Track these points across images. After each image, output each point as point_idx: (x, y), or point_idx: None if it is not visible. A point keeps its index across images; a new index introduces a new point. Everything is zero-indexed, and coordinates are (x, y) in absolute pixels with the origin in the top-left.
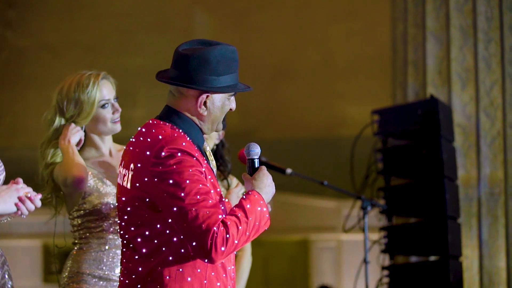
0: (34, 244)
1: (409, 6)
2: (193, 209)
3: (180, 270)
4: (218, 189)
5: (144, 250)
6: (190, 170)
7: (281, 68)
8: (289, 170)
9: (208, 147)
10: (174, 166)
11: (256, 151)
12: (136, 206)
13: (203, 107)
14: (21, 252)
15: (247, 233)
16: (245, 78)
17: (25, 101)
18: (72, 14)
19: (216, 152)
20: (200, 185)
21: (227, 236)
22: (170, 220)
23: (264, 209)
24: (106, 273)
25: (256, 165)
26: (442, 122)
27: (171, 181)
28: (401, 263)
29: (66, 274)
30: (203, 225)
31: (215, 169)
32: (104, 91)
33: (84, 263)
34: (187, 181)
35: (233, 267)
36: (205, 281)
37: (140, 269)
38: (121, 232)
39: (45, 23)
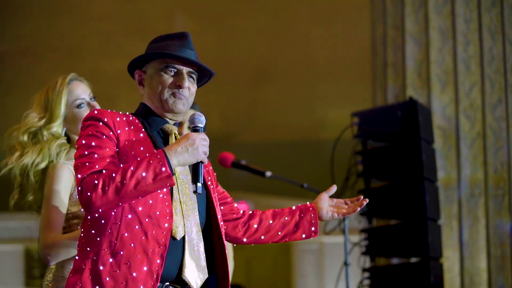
0: (16, 248)
1: (388, 8)
2: (79, 162)
3: (93, 231)
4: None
5: (78, 227)
6: (90, 132)
7: (262, 70)
8: (268, 173)
9: (175, 131)
10: (81, 133)
11: (200, 119)
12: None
13: (140, 86)
14: (3, 257)
15: (124, 181)
16: (225, 81)
17: (5, 106)
18: (52, 18)
19: None
20: (93, 143)
21: (95, 182)
22: None
23: (160, 166)
24: None
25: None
26: (422, 124)
27: (77, 146)
28: (382, 265)
29: (51, 278)
30: (79, 174)
31: None
32: (77, 91)
33: (68, 268)
34: (83, 142)
35: (165, 233)
36: (114, 241)
37: (77, 242)
38: None
39: (24, 27)
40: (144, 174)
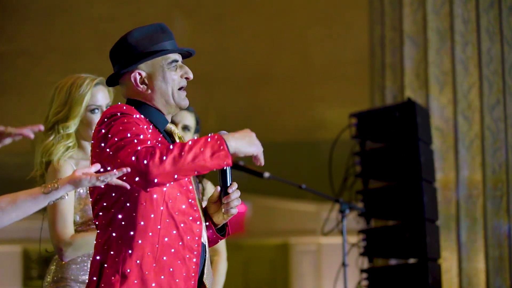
0: (14, 249)
1: (386, 9)
2: (122, 142)
3: (131, 233)
4: None
5: (103, 222)
6: (125, 120)
7: (259, 71)
8: (266, 174)
9: (177, 131)
10: (112, 123)
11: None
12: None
13: (142, 86)
14: (0, 258)
15: (182, 153)
16: (223, 81)
17: (3, 106)
18: (50, 19)
19: None
20: (134, 128)
21: (152, 152)
22: (109, 168)
23: (218, 141)
24: None
25: (228, 174)
26: (420, 125)
27: (109, 135)
28: (380, 266)
29: (49, 279)
30: (129, 149)
31: None
32: (98, 96)
33: (68, 268)
34: (121, 128)
35: (197, 238)
36: (157, 245)
37: (99, 240)
38: (94, 220)
39: (23, 28)
40: (202, 149)
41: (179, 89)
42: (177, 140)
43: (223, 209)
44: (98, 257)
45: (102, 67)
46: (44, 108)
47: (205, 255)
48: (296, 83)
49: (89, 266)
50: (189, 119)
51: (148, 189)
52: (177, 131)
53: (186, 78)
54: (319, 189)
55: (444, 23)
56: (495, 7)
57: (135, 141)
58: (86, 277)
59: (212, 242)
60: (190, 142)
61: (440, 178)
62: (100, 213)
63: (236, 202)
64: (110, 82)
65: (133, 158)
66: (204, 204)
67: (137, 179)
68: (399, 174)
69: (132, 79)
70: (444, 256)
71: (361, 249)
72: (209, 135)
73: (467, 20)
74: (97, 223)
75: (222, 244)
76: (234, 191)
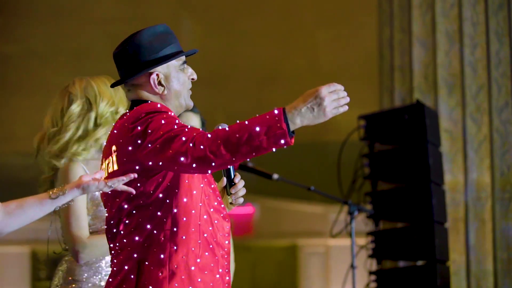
0: (22, 250)
1: (395, 11)
2: (172, 133)
3: (175, 229)
4: None
5: (140, 220)
6: (165, 116)
7: (268, 73)
8: (275, 176)
9: None
10: (150, 120)
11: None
12: (130, 180)
13: (159, 86)
14: (9, 258)
15: (237, 135)
16: (231, 82)
17: (11, 107)
18: (59, 20)
19: None
20: (177, 121)
21: (208, 135)
22: (160, 163)
23: (276, 118)
24: (102, 283)
25: (231, 171)
26: (429, 127)
27: (149, 131)
28: (389, 268)
29: (59, 280)
30: (184, 137)
31: None
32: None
33: (79, 270)
34: (163, 122)
35: (227, 235)
36: (199, 241)
37: (136, 238)
38: (112, 222)
39: (32, 29)
40: (258, 128)
41: (188, 90)
42: None
43: (230, 199)
44: (135, 255)
45: (110, 67)
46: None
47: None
48: (304, 85)
49: (103, 267)
50: (194, 121)
51: (208, 172)
52: None
53: (192, 79)
54: (327, 191)
55: (453, 25)
56: (504, 9)
57: (186, 129)
58: (98, 279)
59: None
60: (247, 122)
61: (449, 180)
62: (134, 212)
63: (242, 191)
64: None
65: (191, 144)
66: None
67: (194, 165)
68: (408, 176)
69: (152, 81)
70: (452, 258)
71: (369, 251)
72: (273, 111)
73: (476, 23)
74: (127, 221)
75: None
76: (240, 181)
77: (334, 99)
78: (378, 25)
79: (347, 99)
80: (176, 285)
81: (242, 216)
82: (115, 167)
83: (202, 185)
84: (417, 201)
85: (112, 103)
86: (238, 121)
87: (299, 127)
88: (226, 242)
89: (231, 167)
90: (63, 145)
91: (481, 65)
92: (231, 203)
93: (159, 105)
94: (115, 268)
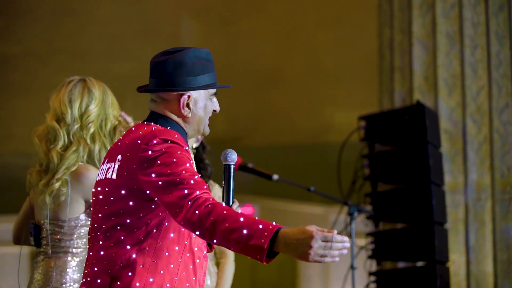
0: (22, 251)
1: (395, 12)
2: (178, 179)
3: (155, 261)
4: None
5: (121, 238)
6: (179, 152)
7: (268, 74)
8: (275, 176)
9: (191, 152)
10: (164, 150)
11: (232, 157)
12: (122, 195)
13: (186, 108)
14: (8, 258)
15: (226, 225)
16: (232, 84)
17: (12, 108)
18: (59, 21)
19: (196, 155)
20: (188, 165)
21: (208, 205)
22: (156, 199)
23: (266, 233)
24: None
25: (232, 171)
26: (429, 128)
27: (159, 162)
28: (388, 269)
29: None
30: (186, 190)
31: None
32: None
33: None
34: (174, 160)
35: (203, 274)
36: (175, 278)
37: (113, 254)
38: (95, 225)
39: (32, 30)
40: (245, 232)
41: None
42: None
43: None
44: (109, 271)
45: (110, 68)
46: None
47: None
48: (305, 86)
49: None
50: None
51: (193, 235)
52: (192, 155)
53: (214, 111)
54: (327, 192)
55: (453, 26)
56: (505, 11)
57: (192, 182)
58: None
59: None
60: (242, 219)
61: (449, 181)
62: (118, 227)
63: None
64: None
65: (189, 202)
66: None
67: (179, 219)
68: (408, 177)
69: (182, 101)
70: (452, 259)
71: (369, 252)
72: (269, 225)
73: (476, 23)
74: (108, 234)
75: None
76: (236, 208)
77: (322, 251)
78: (378, 26)
79: (342, 252)
80: None
81: None
82: (114, 176)
83: None
84: (417, 202)
85: (119, 115)
86: (240, 212)
87: (276, 250)
88: (203, 281)
89: (232, 192)
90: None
91: (481, 66)
92: None
93: (176, 136)
94: (88, 279)
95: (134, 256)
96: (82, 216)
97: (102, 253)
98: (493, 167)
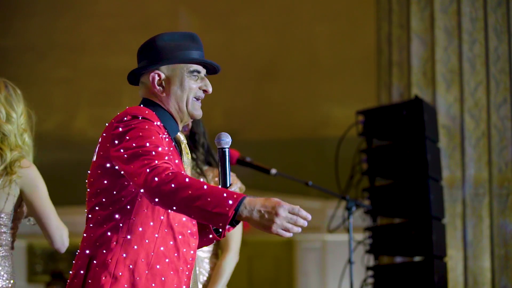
0: (18, 244)
1: (393, 7)
2: (140, 151)
3: (128, 237)
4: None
5: (98, 217)
6: (147, 127)
7: (266, 68)
8: (273, 171)
9: (185, 141)
10: (133, 125)
11: (226, 140)
12: (98, 174)
13: (159, 87)
14: None
15: (190, 192)
16: (229, 78)
17: None
18: (56, 15)
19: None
20: (153, 137)
21: (167, 174)
22: (122, 172)
23: (230, 201)
24: None
25: (227, 154)
26: (427, 123)
27: (127, 137)
28: (386, 264)
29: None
30: (146, 160)
31: (189, 163)
32: None
33: None
34: (141, 134)
35: (192, 252)
36: (152, 253)
37: (91, 235)
38: (85, 210)
39: (28, 24)
40: (209, 199)
41: (195, 99)
42: (183, 151)
43: None
44: (87, 251)
45: (107, 61)
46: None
47: (194, 270)
48: (302, 80)
49: None
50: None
51: (151, 203)
52: (184, 141)
53: (205, 91)
54: (325, 186)
55: (452, 21)
56: (503, 6)
57: (153, 153)
58: None
59: (208, 241)
60: (205, 187)
61: (447, 176)
62: (97, 208)
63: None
64: (132, 79)
65: (148, 170)
66: None
67: (142, 190)
68: (406, 172)
69: (150, 78)
70: (450, 254)
71: (367, 247)
72: (234, 194)
73: (475, 19)
74: (90, 216)
75: (235, 240)
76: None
77: (286, 223)
78: (376, 20)
79: (303, 224)
80: None
81: None
82: (94, 158)
83: None
84: (415, 196)
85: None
86: (203, 180)
87: (242, 220)
88: (191, 259)
89: (228, 175)
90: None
91: (479, 61)
92: None
93: (146, 111)
94: (73, 261)
95: (109, 234)
96: None
97: (85, 235)
98: (491, 162)
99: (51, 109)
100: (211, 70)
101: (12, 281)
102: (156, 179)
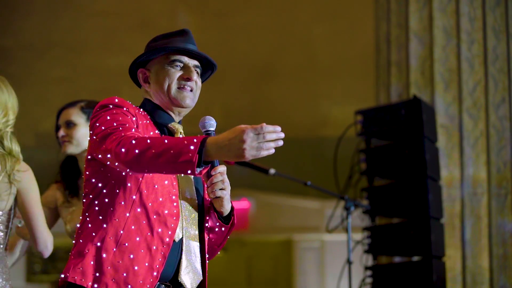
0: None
1: (392, 6)
2: (109, 131)
3: (100, 217)
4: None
5: (83, 208)
6: (114, 112)
7: (265, 68)
8: (272, 171)
9: (181, 130)
10: (102, 113)
11: (211, 122)
12: (86, 171)
13: (146, 84)
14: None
15: (153, 150)
16: (228, 77)
17: None
18: (55, 14)
19: None
20: (120, 118)
21: (130, 141)
22: (99, 156)
23: (192, 146)
24: None
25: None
26: (426, 122)
27: (97, 124)
28: (384, 263)
29: None
30: (115, 136)
31: None
32: None
33: None
34: (108, 117)
35: (170, 232)
36: (121, 231)
37: (77, 225)
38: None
39: (27, 23)
40: (172, 151)
41: (180, 88)
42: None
43: (210, 194)
44: (74, 241)
45: (106, 61)
46: (48, 102)
47: (183, 252)
48: (301, 80)
49: None
50: None
51: (130, 173)
52: (181, 129)
53: (188, 79)
54: (323, 186)
55: (450, 20)
56: (502, 5)
57: (120, 128)
58: None
59: (219, 232)
60: (166, 141)
61: (445, 176)
62: (84, 200)
63: (219, 184)
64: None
65: (116, 143)
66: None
67: (116, 164)
68: (404, 171)
69: (139, 78)
70: (448, 254)
71: (365, 246)
72: (193, 138)
73: (473, 18)
74: (83, 212)
75: None
76: (216, 174)
77: (257, 143)
78: (375, 20)
79: (277, 143)
80: (80, 268)
81: (237, 210)
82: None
83: (141, 179)
84: (413, 196)
85: (5, 113)
86: (164, 136)
87: (212, 159)
88: (167, 239)
89: (216, 160)
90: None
91: (478, 61)
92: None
93: (116, 100)
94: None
95: (88, 219)
96: None
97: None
98: (489, 162)
99: (50, 109)
100: (209, 65)
101: (8, 284)
102: (123, 149)
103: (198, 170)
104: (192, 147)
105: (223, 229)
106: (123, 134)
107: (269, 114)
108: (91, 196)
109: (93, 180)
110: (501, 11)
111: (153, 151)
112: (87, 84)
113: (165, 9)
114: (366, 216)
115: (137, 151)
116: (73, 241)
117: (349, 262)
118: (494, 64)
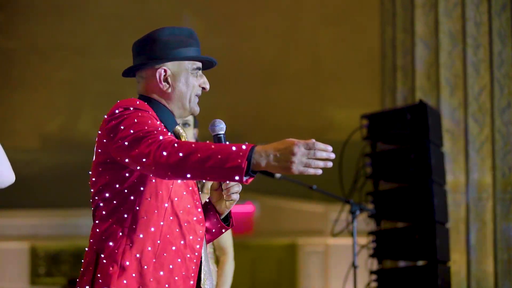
0: (22, 246)
1: (398, 11)
2: (141, 134)
3: (134, 227)
4: None
5: (103, 213)
6: (140, 114)
7: (270, 72)
8: (278, 174)
9: (185, 134)
10: (125, 116)
11: (221, 126)
12: (99, 172)
13: (164, 83)
14: (8, 254)
15: (198, 155)
16: (233, 82)
17: (13, 103)
18: (60, 16)
19: None
20: (150, 122)
21: (173, 145)
22: (127, 160)
23: (241, 153)
24: None
25: (223, 140)
26: (431, 127)
27: (122, 127)
28: (389, 268)
29: None
30: (150, 139)
31: None
32: None
33: None
34: (136, 120)
35: (199, 239)
36: (158, 241)
37: (97, 230)
38: (92, 209)
39: (33, 25)
40: (220, 156)
41: (196, 96)
42: None
43: (224, 196)
44: (94, 247)
45: (111, 63)
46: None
47: (202, 259)
48: (307, 84)
49: None
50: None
51: (165, 179)
52: (184, 134)
53: (203, 88)
54: (329, 190)
55: (456, 25)
56: (507, 10)
57: (155, 132)
58: None
59: (216, 233)
60: (213, 146)
61: (450, 180)
62: (101, 204)
63: (236, 188)
64: (126, 72)
65: (155, 147)
66: (206, 197)
67: (153, 168)
68: (410, 176)
69: (157, 75)
70: (453, 259)
71: (370, 251)
72: (243, 145)
73: (479, 23)
74: (95, 214)
75: (229, 243)
76: None
77: (306, 159)
78: (380, 24)
79: (327, 164)
80: (124, 281)
81: (242, 214)
82: (94, 158)
83: (171, 186)
84: (419, 201)
85: None
86: (208, 142)
87: (259, 169)
88: (198, 246)
89: None
90: None
91: (483, 66)
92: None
93: (137, 102)
94: (82, 260)
95: (114, 226)
96: None
97: (91, 232)
98: (495, 166)
99: (55, 111)
100: (206, 65)
101: None
102: (164, 153)
103: (245, 178)
104: (241, 154)
105: (223, 230)
106: (161, 137)
107: (275, 117)
108: (114, 201)
109: (117, 186)
110: (507, 16)
111: (199, 155)
112: (92, 87)
113: (170, 13)
114: (371, 220)
115: (181, 154)
116: (90, 240)
117: (354, 266)
118: (499, 69)
